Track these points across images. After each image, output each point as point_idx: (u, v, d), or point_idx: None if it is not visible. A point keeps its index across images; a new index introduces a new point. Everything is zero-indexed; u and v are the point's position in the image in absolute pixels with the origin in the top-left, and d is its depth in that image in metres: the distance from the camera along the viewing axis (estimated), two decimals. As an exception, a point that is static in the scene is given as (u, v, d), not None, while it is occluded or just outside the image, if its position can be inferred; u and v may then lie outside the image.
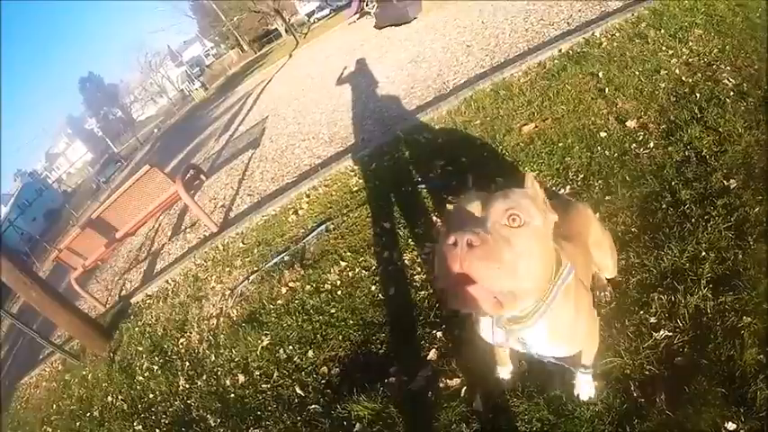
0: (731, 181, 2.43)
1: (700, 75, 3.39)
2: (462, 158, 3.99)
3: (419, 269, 3.09)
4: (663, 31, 4.15)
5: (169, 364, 3.93)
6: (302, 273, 3.79)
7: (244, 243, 5.08)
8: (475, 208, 1.11)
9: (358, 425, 2.34)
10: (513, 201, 1.09)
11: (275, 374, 3.01)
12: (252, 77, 23.65)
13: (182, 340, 4.14)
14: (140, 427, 3.50)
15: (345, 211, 4.24)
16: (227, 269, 4.74)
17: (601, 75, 4.01)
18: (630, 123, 3.26)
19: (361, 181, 4.68)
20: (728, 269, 2.05)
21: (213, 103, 25.95)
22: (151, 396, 3.71)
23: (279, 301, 3.67)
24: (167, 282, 5.54)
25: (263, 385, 3.01)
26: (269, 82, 17.34)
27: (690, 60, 3.60)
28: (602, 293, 2.20)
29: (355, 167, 5.03)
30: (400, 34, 10.66)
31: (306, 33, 27.51)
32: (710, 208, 2.34)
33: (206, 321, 4.17)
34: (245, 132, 10.73)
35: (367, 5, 15.58)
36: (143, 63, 68.13)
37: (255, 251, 4.68)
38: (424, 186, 3.92)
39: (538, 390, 2.00)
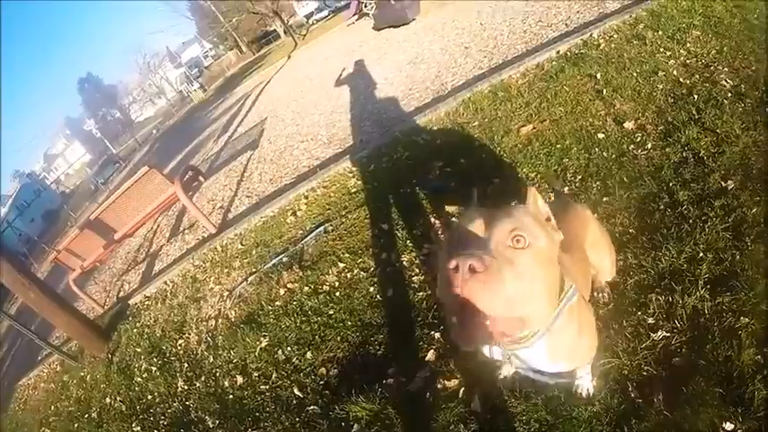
0: (729, 182, 2.43)
1: (697, 76, 3.39)
2: (461, 160, 3.99)
3: (417, 270, 3.09)
4: (661, 32, 4.15)
5: (167, 366, 3.93)
6: (301, 274, 3.79)
7: (242, 244, 5.08)
8: (477, 227, 1.08)
9: (356, 426, 2.34)
10: (517, 220, 1.07)
11: (274, 375, 3.01)
12: (250, 79, 23.64)
13: (180, 341, 4.14)
14: (139, 428, 3.50)
15: (344, 213, 4.25)
16: (226, 270, 4.74)
17: (599, 76, 4.02)
18: (628, 125, 3.26)
19: (359, 182, 4.68)
20: (726, 270, 2.05)
21: (212, 104, 25.92)
22: (149, 397, 3.71)
23: (277, 303, 3.67)
24: (166, 283, 5.54)
25: (261, 386, 3.01)
26: (267, 83, 17.34)
27: (687, 62, 3.61)
28: (600, 294, 2.20)
29: (354, 169, 5.03)
30: (399, 36, 10.66)
31: (304, 35, 27.49)
32: (708, 209, 2.34)
33: (204, 323, 4.17)
34: (244, 134, 10.73)
35: (365, 7, 15.56)
36: (141, 64, 68.19)
37: (254, 252, 4.68)
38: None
39: (536, 390, 2.00)
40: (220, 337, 3.79)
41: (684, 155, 2.77)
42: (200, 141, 14.83)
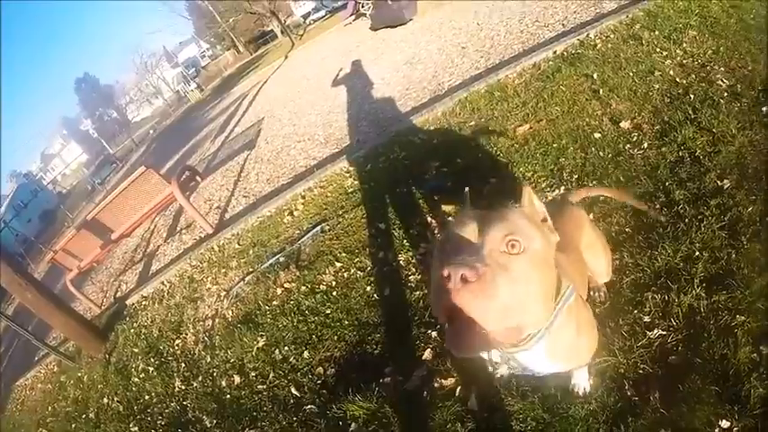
0: (725, 181, 2.44)
1: (694, 76, 3.40)
2: (457, 159, 4.00)
3: (414, 270, 3.10)
4: (657, 32, 4.16)
5: (165, 366, 3.92)
6: (297, 274, 3.79)
7: (239, 244, 5.08)
8: (470, 232, 1.04)
9: (353, 424, 2.34)
10: (511, 224, 1.04)
11: (271, 375, 3.01)
12: (248, 79, 23.61)
13: (177, 341, 4.13)
14: (136, 428, 3.50)
15: (341, 212, 4.25)
16: (223, 270, 4.73)
17: (595, 76, 4.03)
18: (624, 124, 3.27)
19: (356, 182, 4.69)
20: (722, 268, 2.05)
21: (209, 104, 25.88)
22: (147, 397, 3.71)
23: (274, 302, 3.67)
24: (163, 283, 5.53)
25: (258, 386, 3.01)
26: (265, 83, 17.32)
27: (684, 62, 3.62)
28: (597, 293, 2.21)
29: (350, 169, 5.04)
30: (396, 36, 10.67)
31: (301, 35, 27.49)
32: (704, 208, 2.34)
33: (201, 322, 4.16)
34: (241, 134, 10.73)
35: (363, 7, 15.54)
36: (138, 64, 68.03)
37: (251, 252, 4.68)
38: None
39: (532, 389, 2.01)
40: (217, 336, 3.78)
41: (680, 154, 2.78)
42: (198, 141, 14.82)
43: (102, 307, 6.44)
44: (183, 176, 6.86)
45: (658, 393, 1.78)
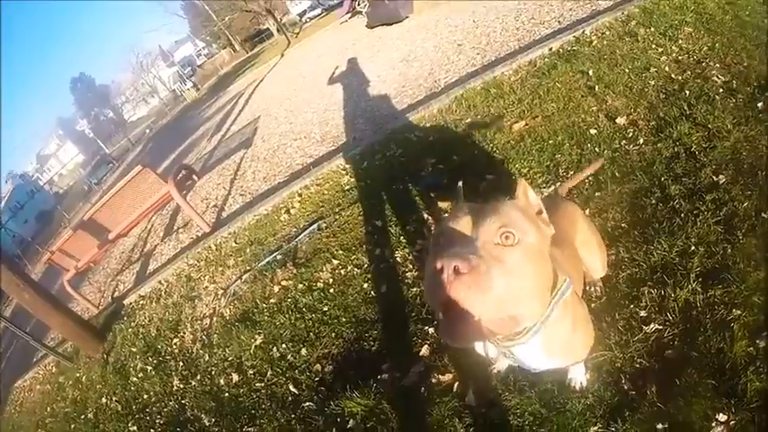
0: (720, 176, 2.45)
1: (689, 72, 3.41)
2: (453, 156, 4.00)
3: (411, 266, 3.10)
4: (653, 29, 4.17)
5: (163, 365, 3.92)
6: (295, 271, 3.80)
7: (236, 243, 5.07)
8: (464, 225, 1.04)
9: (351, 421, 2.35)
10: (505, 216, 1.03)
11: (269, 373, 3.01)
12: (244, 77, 23.62)
13: (175, 340, 4.13)
14: (135, 427, 3.49)
15: (337, 210, 4.25)
16: (220, 269, 4.73)
17: (591, 73, 4.03)
18: (620, 120, 3.28)
19: (352, 180, 4.69)
20: (718, 263, 2.06)
21: (205, 103, 25.88)
22: (145, 397, 3.70)
23: (272, 300, 3.67)
24: (160, 282, 5.53)
25: (256, 384, 3.01)
26: (261, 82, 17.32)
27: (679, 58, 3.62)
28: (593, 288, 2.21)
29: (347, 166, 5.04)
30: (392, 33, 10.66)
31: (297, 33, 27.47)
32: (700, 203, 2.35)
33: (199, 321, 4.16)
34: (237, 132, 10.72)
35: (359, 5, 15.57)
36: (134, 63, 67.94)
37: (248, 250, 4.68)
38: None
39: (530, 384, 2.02)
40: (215, 335, 3.78)
41: (676, 150, 2.78)
42: (194, 140, 14.81)
43: (100, 307, 6.42)
44: (180, 175, 6.83)
45: (655, 387, 1.78)
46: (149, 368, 3.99)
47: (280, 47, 25.24)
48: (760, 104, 2.76)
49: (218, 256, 5.06)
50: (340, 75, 9.68)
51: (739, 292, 1.90)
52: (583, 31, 4.84)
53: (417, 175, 4.05)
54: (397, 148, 4.74)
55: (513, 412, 1.97)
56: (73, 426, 4.14)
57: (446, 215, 1.12)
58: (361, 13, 15.00)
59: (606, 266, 2.12)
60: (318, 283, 3.47)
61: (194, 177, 8.05)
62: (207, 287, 4.59)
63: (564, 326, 1.28)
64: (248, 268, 4.35)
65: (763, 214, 2.14)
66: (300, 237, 4.21)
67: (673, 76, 3.47)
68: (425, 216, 3.52)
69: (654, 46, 3.93)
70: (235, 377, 3.19)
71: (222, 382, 3.26)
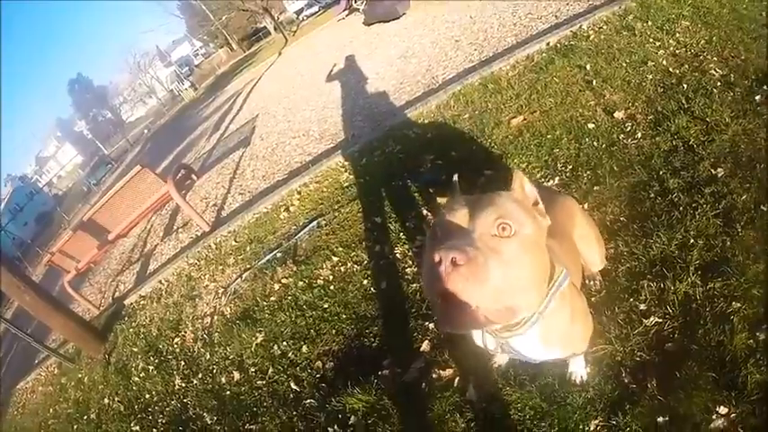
0: (718, 169, 2.45)
1: (687, 66, 3.41)
2: (452, 152, 4.00)
3: (410, 262, 3.11)
4: (650, 23, 4.17)
5: (164, 364, 3.92)
6: (295, 269, 3.80)
7: (236, 241, 5.08)
8: (461, 217, 1.05)
9: (353, 417, 2.35)
10: (501, 208, 1.04)
11: (270, 370, 3.01)
12: (241, 76, 23.58)
13: (176, 340, 4.13)
14: (137, 427, 3.50)
15: (336, 207, 4.25)
16: (220, 268, 4.74)
17: (588, 67, 4.03)
18: (618, 114, 3.28)
19: (351, 177, 4.69)
20: (717, 256, 2.06)
21: (203, 102, 25.85)
22: (147, 396, 3.71)
23: (272, 298, 3.67)
24: (160, 282, 5.53)
25: (258, 382, 3.01)
26: (258, 80, 17.29)
27: (677, 52, 3.62)
28: (592, 282, 2.22)
29: (346, 163, 5.04)
30: (389, 30, 10.64)
31: (295, 31, 27.39)
32: (698, 196, 2.36)
33: (200, 320, 4.17)
34: (236, 131, 10.72)
35: (356, 2, 15.52)
36: (132, 64, 67.85)
37: (248, 249, 4.68)
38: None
39: (530, 378, 2.02)
40: (216, 333, 3.79)
41: (674, 143, 2.78)
42: (192, 140, 14.79)
43: (101, 308, 6.43)
44: (179, 175, 6.84)
45: (655, 380, 1.79)
46: (151, 368, 3.99)
47: (277, 45, 25.16)
48: (758, 97, 2.76)
49: (218, 255, 5.06)
50: (338, 72, 9.66)
51: (739, 285, 1.90)
52: (580, 26, 4.84)
53: (416, 171, 4.05)
54: (396, 144, 4.74)
55: (514, 406, 1.98)
56: (76, 426, 4.14)
57: (443, 207, 1.13)
58: (358, 10, 14.93)
59: (604, 259, 2.12)
60: (318, 281, 3.48)
61: (193, 177, 8.06)
62: (207, 286, 4.60)
63: (562, 317, 1.29)
64: (248, 266, 4.35)
65: (761, 207, 2.14)
66: (300, 234, 4.21)
67: (670, 69, 3.47)
68: (424, 212, 3.52)
69: (651, 40, 3.93)
70: (236, 375, 3.20)
71: (224, 380, 3.26)
